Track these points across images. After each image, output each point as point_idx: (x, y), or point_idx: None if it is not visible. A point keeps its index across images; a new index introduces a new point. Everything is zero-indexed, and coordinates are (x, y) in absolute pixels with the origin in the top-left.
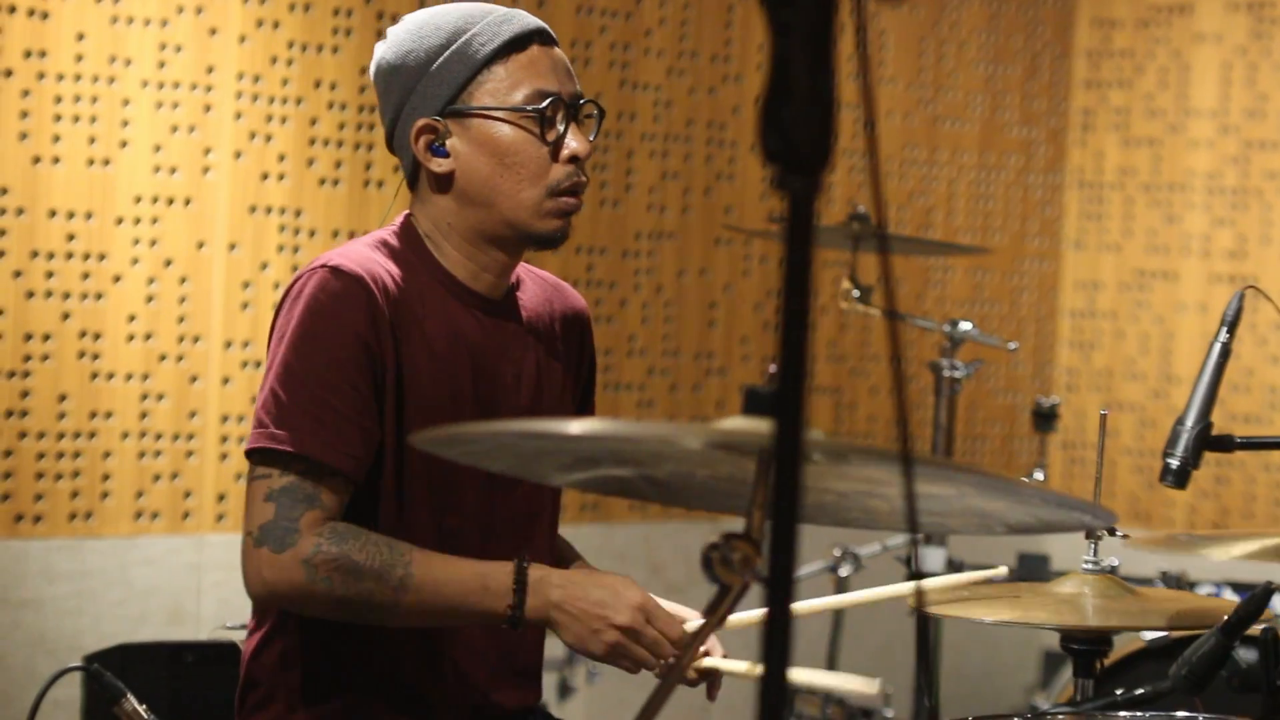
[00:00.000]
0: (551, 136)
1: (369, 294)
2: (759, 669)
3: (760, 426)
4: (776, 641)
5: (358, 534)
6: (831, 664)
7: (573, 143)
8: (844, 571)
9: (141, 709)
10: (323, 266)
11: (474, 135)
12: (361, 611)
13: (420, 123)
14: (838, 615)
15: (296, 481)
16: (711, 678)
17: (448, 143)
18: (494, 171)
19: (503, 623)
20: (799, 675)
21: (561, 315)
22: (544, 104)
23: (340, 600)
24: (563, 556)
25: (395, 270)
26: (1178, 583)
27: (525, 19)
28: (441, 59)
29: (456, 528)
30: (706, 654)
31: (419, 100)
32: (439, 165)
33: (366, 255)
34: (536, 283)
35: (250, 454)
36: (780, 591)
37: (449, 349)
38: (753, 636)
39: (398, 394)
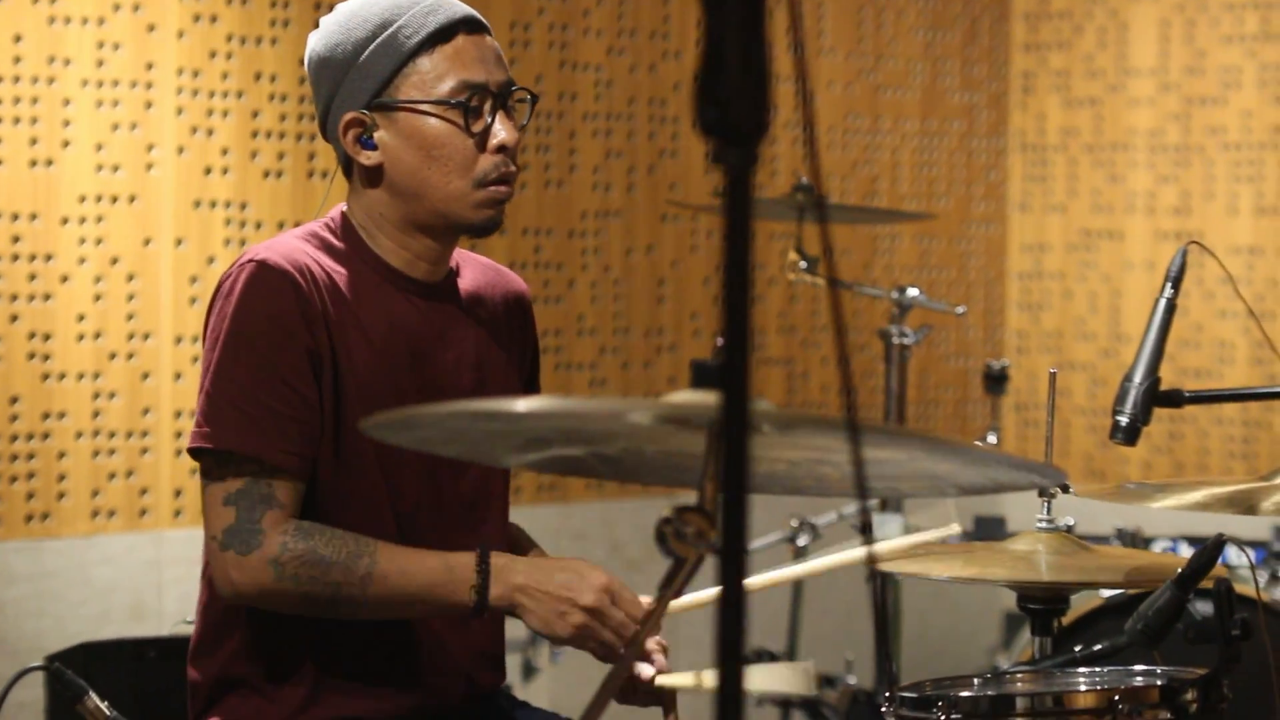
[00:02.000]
0: (477, 128)
1: (297, 287)
2: (709, 679)
3: (708, 399)
4: (731, 613)
5: (322, 530)
6: (793, 634)
7: (500, 132)
8: (802, 541)
9: (104, 705)
10: (250, 261)
11: (401, 128)
12: (329, 605)
13: (348, 116)
14: (798, 585)
15: (250, 483)
16: (666, 698)
17: (375, 135)
18: (421, 164)
19: (468, 611)
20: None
21: (503, 298)
22: (468, 96)
23: (308, 596)
24: (516, 542)
25: (326, 261)
26: (1133, 539)
27: (453, 8)
28: (368, 51)
29: (407, 514)
30: (657, 670)
31: (347, 93)
32: (368, 158)
33: (294, 247)
34: (476, 268)
35: (196, 454)
36: (733, 562)
37: (386, 336)
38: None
39: (335, 384)
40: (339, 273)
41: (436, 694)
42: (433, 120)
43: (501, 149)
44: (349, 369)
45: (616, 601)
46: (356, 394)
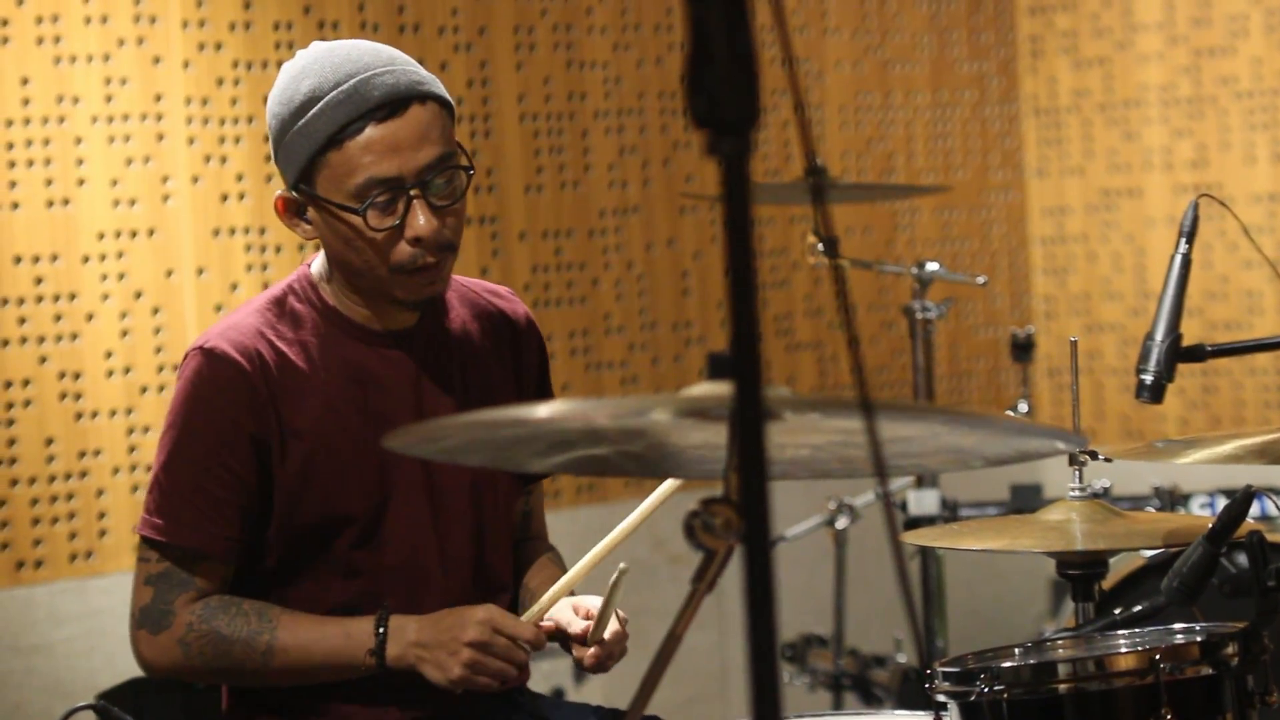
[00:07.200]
0: (386, 224)
1: (242, 375)
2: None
3: (725, 390)
4: (760, 603)
5: (228, 606)
6: (839, 617)
7: (418, 221)
8: (841, 524)
9: None
10: (197, 349)
11: (323, 216)
12: (235, 677)
13: (282, 195)
14: (840, 564)
15: (172, 567)
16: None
17: (307, 213)
18: (344, 249)
19: (370, 672)
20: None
21: (491, 331)
22: (375, 193)
23: (215, 670)
24: (530, 560)
25: (284, 330)
26: (1170, 496)
27: (368, 92)
28: (290, 133)
29: (383, 576)
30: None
31: (282, 164)
32: (305, 231)
33: (248, 326)
34: (466, 302)
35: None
36: (758, 548)
37: (344, 394)
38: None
39: (285, 462)
40: (293, 340)
41: (462, 696)
42: (344, 217)
43: (417, 240)
44: (300, 445)
45: (499, 629)
46: (310, 462)
